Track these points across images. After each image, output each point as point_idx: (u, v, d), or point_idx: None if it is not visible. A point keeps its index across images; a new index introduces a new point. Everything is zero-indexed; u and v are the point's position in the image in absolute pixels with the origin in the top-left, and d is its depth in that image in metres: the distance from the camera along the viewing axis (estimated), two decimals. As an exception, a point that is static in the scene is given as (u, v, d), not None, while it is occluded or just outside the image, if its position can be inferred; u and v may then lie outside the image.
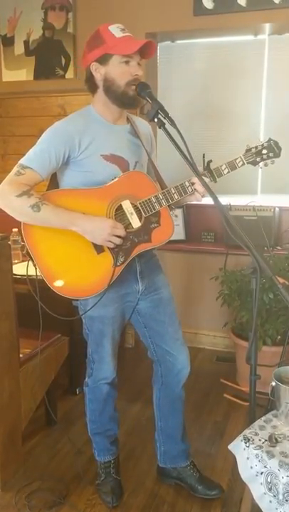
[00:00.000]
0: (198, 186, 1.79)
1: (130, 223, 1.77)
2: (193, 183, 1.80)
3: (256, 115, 3.43)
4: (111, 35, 1.70)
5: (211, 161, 1.84)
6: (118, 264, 1.77)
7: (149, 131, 1.99)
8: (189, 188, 1.81)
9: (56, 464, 2.35)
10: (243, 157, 1.86)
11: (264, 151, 1.87)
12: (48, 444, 2.50)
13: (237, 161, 1.85)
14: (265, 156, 1.88)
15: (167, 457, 2.17)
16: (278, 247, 3.26)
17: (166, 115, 1.68)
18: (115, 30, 1.72)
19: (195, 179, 1.77)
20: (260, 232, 3.00)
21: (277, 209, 3.29)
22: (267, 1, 3.02)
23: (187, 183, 1.81)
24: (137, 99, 1.76)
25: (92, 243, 1.74)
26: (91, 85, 1.81)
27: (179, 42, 3.52)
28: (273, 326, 2.78)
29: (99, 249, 1.75)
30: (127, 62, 1.72)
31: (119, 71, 1.72)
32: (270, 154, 1.88)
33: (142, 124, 1.96)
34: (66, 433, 2.54)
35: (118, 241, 1.73)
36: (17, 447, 2.27)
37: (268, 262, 1.53)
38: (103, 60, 1.73)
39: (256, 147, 1.87)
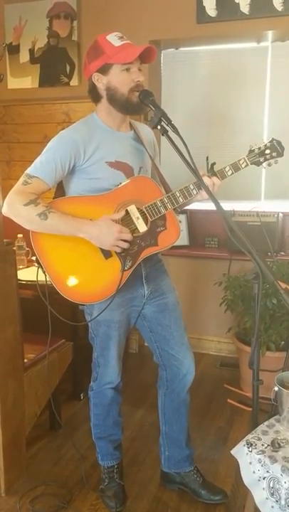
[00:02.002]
0: (206, 179, 1.80)
1: (137, 227, 1.79)
2: (198, 185, 1.80)
3: (259, 121, 3.45)
4: (109, 45, 1.72)
5: (214, 163, 1.86)
6: (126, 268, 1.79)
7: (152, 137, 2.01)
8: (194, 190, 1.82)
9: (60, 469, 2.35)
10: (246, 158, 1.88)
11: (267, 151, 1.89)
12: (51, 449, 2.51)
13: (240, 162, 1.87)
14: (268, 156, 1.89)
15: (171, 462, 2.17)
16: (282, 253, 3.26)
17: (169, 122, 1.70)
18: (113, 38, 1.74)
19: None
20: (264, 237, 3.00)
21: (280, 214, 3.30)
22: (270, 9, 3.04)
23: (192, 186, 1.82)
24: (141, 106, 1.78)
25: (100, 248, 1.76)
26: (94, 95, 1.84)
27: (182, 49, 3.55)
28: (277, 331, 2.78)
29: (107, 254, 1.77)
30: (127, 70, 1.74)
31: (121, 79, 1.75)
32: (274, 154, 1.89)
33: (145, 130, 1.98)
34: (70, 438, 2.55)
35: (125, 245, 1.75)
36: (21, 452, 2.28)
37: (269, 267, 1.54)
38: (104, 69, 1.75)
39: (259, 148, 1.89)
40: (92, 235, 1.72)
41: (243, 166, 1.87)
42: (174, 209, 1.83)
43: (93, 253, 1.76)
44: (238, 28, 3.16)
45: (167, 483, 2.21)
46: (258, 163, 1.89)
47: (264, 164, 1.91)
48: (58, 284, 1.76)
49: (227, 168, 1.86)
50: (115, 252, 1.77)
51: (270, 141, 1.90)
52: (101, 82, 1.78)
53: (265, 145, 1.89)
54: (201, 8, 3.17)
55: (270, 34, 3.21)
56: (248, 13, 3.10)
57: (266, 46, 3.35)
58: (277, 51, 3.33)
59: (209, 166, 1.86)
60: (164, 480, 2.22)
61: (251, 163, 1.89)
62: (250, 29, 3.15)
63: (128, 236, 1.75)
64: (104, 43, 1.73)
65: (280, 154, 1.90)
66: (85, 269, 1.79)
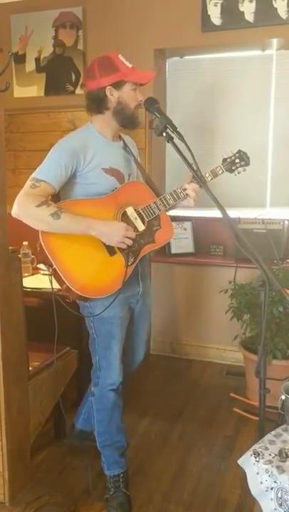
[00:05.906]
0: (190, 191, 2.01)
1: (136, 227, 1.95)
2: (184, 189, 2.01)
3: (264, 129, 3.44)
4: (123, 65, 1.93)
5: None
6: (129, 263, 1.94)
7: (135, 146, 2.20)
8: (182, 193, 2.03)
9: (64, 479, 2.33)
10: (221, 166, 2.11)
11: (237, 160, 2.12)
12: (56, 458, 2.49)
13: (217, 169, 2.10)
14: (238, 165, 2.12)
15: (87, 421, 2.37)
16: (288, 260, 3.24)
17: (175, 129, 1.81)
18: (124, 60, 1.94)
19: (186, 185, 2.01)
20: (270, 245, 3.00)
21: (286, 222, 3.28)
22: (274, 17, 3.06)
23: (179, 190, 2.03)
24: (139, 122, 2.01)
25: (105, 246, 1.89)
26: (99, 106, 1.96)
27: (187, 57, 3.56)
28: (283, 339, 2.76)
29: (111, 251, 1.91)
30: (134, 90, 1.95)
31: (130, 96, 1.95)
32: (242, 163, 2.13)
33: (128, 141, 2.16)
34: (74, 447, 2.53)
35: (130, 242, 1.90)
36: (25, 461, 2.26)
37: (276, 275, 1.53)
38: (118, 85, 1.93)
39: (230, 157, 2.13)
40: (102, 232, 1.85)
41: (219, 172, 2.10)
42: (165, 210, 2.02)
43: (98, 251, 1.89)
44: (242, 36, 3.17)
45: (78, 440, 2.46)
46: (231, 171, 2.13)
47: (235, 172, 2.13)
48: (69, 280, 1.84)
49: (207, 174, 2.06)
50: (119, 249, 1.91)
51: (237, 152, 2.13)
52: (113, 95, 1.93)
53: (235, 155, 2.13)
54: (205, 16, 3.19)
55: (274, 42, 3.22)
56: (252, 22, 3.11)
57: (271, 54, 3.35)
58: (281, 59, 3.34)
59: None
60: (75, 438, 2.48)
61: (226, 170, 2.11)
62: (254, 37, 3.16)
63: (132, 234, 1.90)
64: (119, 62, 1.92)
65: (247, 163, 2.13)
66: (93, 265, 1.90)
